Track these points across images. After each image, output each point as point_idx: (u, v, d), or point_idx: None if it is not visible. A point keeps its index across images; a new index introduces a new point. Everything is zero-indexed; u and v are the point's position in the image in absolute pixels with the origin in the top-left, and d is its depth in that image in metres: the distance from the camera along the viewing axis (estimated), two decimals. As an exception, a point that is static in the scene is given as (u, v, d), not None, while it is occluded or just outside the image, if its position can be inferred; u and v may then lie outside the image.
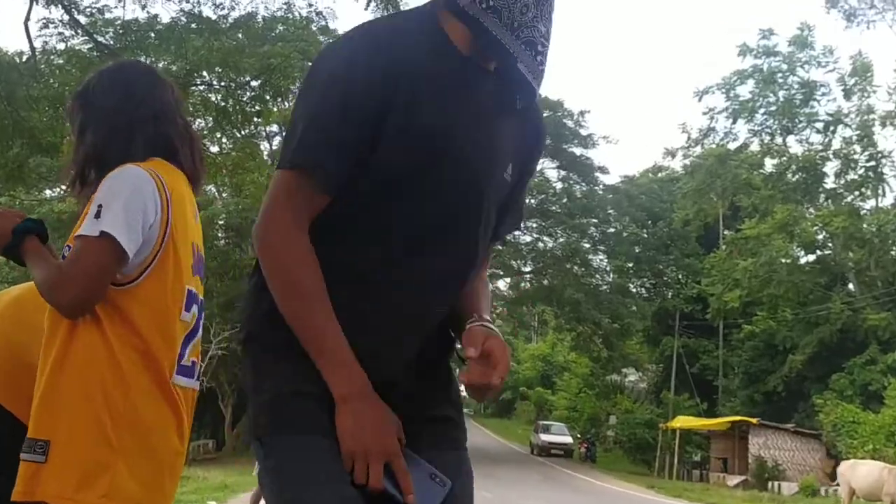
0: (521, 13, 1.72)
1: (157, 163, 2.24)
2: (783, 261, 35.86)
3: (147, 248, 2.12)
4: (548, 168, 40.42)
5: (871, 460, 20.15)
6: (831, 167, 36.67)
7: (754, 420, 31.69)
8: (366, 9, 14.62)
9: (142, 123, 2.27)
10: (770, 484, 28.62)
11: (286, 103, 19.13)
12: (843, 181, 36.32)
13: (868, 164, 35.44)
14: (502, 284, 45.45)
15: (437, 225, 1.73)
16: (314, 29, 20.09)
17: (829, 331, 33.76)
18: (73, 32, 16.61)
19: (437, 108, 1.70)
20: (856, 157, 35.76)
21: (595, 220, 41.48)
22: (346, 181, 1.68)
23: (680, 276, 45.07)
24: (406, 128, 1.67)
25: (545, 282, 42.25)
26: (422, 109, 1.68)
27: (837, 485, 20.31)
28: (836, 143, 36.70)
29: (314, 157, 1.66)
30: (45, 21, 16.49)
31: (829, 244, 36.92)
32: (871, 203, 36.98)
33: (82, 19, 16.41)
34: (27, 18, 15.39)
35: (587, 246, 41.73)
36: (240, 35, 17.94)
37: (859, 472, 18.38)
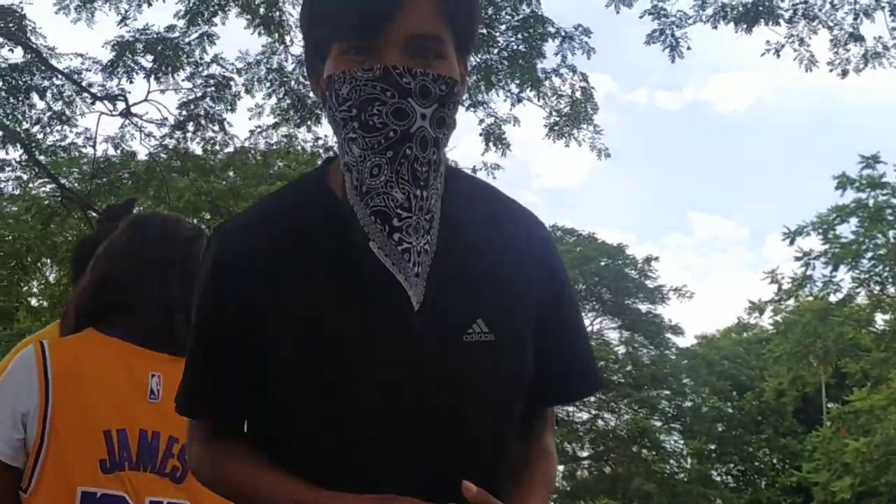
0: (372, 175, 1.62)
1: (83, 334, 2.31)
2: (904, 440, 35.17)
3: (30, 443, 2.13)
4: (607, 329, 40.37)
5: None
6: (957, 323, 36.34)
7: None
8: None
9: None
10: None
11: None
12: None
13: None
14: (554, 473, 44.88)
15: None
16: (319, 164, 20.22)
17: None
18: (31, 175, 16.79)
19: (304, 292, 1.67)
20: None
21: (667, 392, 41.17)
22: None
23: (775, 461, 44.17)
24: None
25: (607, 469, 41.43)
26: (289, 300, 1.66)
27: None
28: (962, 294, 36.49)
29: None
30: (-1, 164, 16.63)
31: (962, 418, 36.27)
32: None
33: (43, 159, 16.61)
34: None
35: (658, 424, 41.08)
36: (231, 173, 18.07)
37: None
